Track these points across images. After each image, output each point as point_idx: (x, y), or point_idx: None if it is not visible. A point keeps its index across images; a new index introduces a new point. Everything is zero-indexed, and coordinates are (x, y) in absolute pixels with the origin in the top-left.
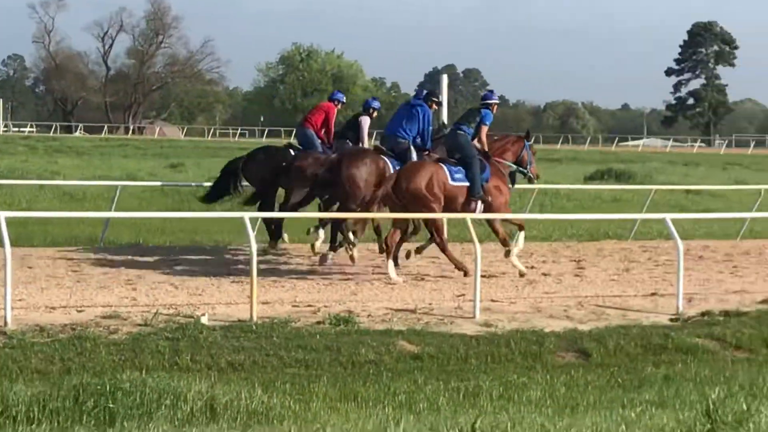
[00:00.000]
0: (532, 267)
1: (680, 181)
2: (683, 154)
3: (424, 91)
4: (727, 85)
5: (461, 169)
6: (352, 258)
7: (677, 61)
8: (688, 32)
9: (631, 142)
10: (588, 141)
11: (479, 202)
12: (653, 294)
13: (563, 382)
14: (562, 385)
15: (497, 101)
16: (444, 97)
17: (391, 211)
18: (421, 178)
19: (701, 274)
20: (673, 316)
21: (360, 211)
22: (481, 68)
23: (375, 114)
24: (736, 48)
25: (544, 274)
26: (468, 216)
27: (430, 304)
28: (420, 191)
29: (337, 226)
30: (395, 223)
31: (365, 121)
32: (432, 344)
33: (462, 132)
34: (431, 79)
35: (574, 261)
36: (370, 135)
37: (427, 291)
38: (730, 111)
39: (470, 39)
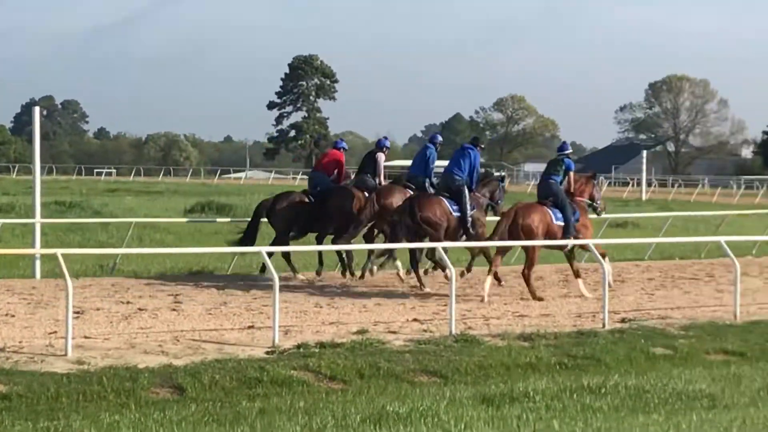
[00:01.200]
0: (128, 302)
1: None
2: (285, 186)
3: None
4: (328, 118)
5: (558, 210)
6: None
7: (279, 94)
8: (290, 65)
9: (233, 174)
10: (190, 173)
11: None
12: (250, 327)
13: (156, 419)
14: (155, 422)
15: (571, 150)
16: (36, 130)
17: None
18: (535, 218)
19: (299, 306)
20: (269, 349)
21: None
22: (80, 99)
23: (387, 152)
24: (336, 81)
25: (140, 309)
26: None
27: (20, 342)
28: (532, 228)
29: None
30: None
31: (381, 158)
32: (21, 384)
33: (553, 180)
34: (27, 111)
35: (171, 295)
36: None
37: (17, 329)
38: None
39: (69, 69)
